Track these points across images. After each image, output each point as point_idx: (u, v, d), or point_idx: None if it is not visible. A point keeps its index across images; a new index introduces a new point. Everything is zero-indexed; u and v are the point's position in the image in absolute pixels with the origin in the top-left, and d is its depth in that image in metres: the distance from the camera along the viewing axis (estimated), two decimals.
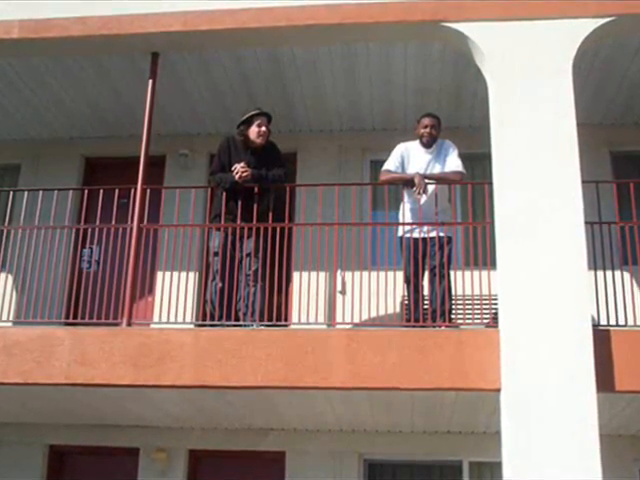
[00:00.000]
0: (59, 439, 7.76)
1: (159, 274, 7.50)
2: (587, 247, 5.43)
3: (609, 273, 5.90)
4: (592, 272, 5.62)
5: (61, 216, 6.80)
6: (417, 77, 7.37)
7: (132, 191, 6.32)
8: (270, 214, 6.23)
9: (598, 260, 5.79)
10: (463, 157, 6.65)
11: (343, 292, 7.49)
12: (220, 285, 6.17)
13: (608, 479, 5.11)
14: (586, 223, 5.53)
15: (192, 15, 6.33)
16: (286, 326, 6.59)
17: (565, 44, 5.87)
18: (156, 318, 7.14)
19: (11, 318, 6.53)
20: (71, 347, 5.63)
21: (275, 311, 6.04)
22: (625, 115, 7.96)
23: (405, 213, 6.51)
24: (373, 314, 5.99)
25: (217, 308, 6.12)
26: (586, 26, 5.89)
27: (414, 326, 5.89)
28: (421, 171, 6.48)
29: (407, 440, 7.31)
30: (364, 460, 7.45)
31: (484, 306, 6.28)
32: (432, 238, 6.32)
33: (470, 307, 6.07)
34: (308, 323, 5.95)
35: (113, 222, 6.40)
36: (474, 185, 6.71)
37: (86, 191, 6.79)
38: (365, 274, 5.86)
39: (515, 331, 5.28)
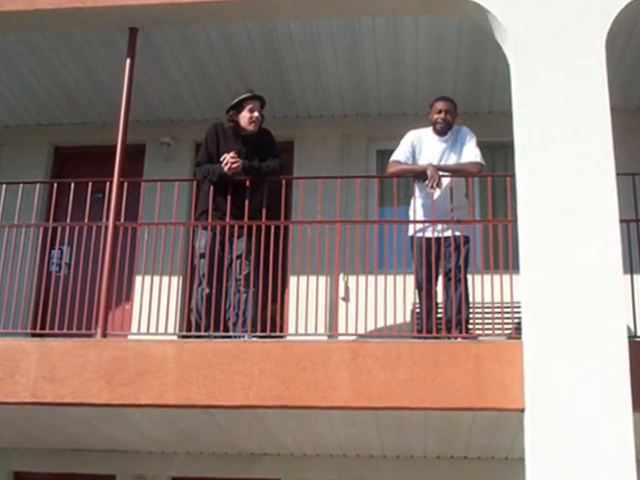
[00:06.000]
0: (25, 465, 7.77)
1: (138, 279, 7.53)
2: (622, 248, 5.41)
3: None
4: (628, 276, 5.61)
5: (27, 213, 6.79)
6: (430, 56, 7.37)
7: (107, 185, 6.32)
8: (264, 211, 6.23)
9: (635, 263, 5.78)
10: (482, 146, 6.65)
11: (346, 299, 7.47)
12: (207, 291, 6.18)
13: None
14: (621, 221, 5.51)
15: None
16: (281, 337, 6.58)
17: (597, 18, 5.85)
18: (134, 329, 7.12)
19: None
20: (38, 361, 5.62)
21: (269, 321, 6.03)
22: None
23: (416, 209, 6.51)
24: (380, 324, 5.99)
25: (203, 317, 6.12)
26: None
27: (427, 338, 5.89)
28: (434, 162, 6.48)
29: (419, 466, 7.32)
30: None
31: (506, 315, 6.27)
32: (447, 238, 6.31)
33: (490, 316, 6.06)
34: (306, 334, 5.95)
35: (86, 220, 6.41)
36: (494, 178, 6.71)
37: (56, 185, 6.80)
38: (371, 278, 5.87)
39: (541, 343, 5.27)
